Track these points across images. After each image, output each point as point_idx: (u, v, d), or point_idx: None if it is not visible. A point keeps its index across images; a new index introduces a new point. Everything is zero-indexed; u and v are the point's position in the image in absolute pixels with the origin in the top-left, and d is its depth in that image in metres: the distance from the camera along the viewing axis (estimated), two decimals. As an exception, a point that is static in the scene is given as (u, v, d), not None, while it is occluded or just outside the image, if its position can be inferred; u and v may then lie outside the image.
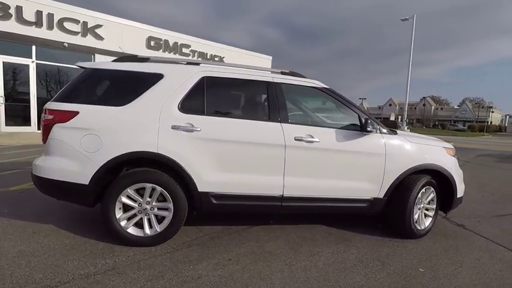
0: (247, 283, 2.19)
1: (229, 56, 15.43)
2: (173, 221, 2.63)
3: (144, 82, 2.69)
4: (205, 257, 2.53)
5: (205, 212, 2.79)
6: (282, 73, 3.07)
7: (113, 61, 2.81)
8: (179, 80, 2.72)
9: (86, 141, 2.49)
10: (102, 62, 2.93)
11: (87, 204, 2.64)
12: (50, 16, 9.89)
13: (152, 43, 12.57)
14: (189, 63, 2.93)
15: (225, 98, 2.86)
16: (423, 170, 3.08)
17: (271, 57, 17.92)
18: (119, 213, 2.56)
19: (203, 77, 2.77)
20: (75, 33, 10.47)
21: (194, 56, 14.07)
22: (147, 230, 2.62)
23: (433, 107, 75.76)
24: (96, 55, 11.39)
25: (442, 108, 79.95)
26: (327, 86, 3.10)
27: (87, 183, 2.50)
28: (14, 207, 3.46)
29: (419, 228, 3.13)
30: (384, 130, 3.06)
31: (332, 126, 2.98)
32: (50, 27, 9.93)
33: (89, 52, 11.06)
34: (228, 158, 2.69)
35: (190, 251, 2.61)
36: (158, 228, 2.63)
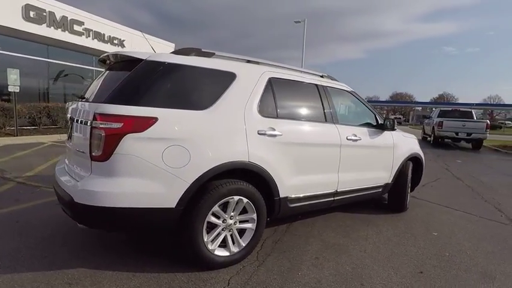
0: (361, 272, 2.36)
1: (129, 39, 13.61)
2: (256, 232, 2.46)
3: (220, 82, 2.34)
4: (297, 261, 2.52)
5: (277, 218, 2.73)
6: (322, 76, 3.25)
7: (173, 53, 2.28)
8: (252, 81, 2.50)
9: (170, 155, 1.99)
10: (163, 54, 2.26)
11: (167, 233, 2.15)
12: None
13: (32, 14, 9.70)
14: (249, 61, 2.69)
15: (289, 100, 2.79)
16: (411, 158, 3.94)
17: (173, 44, 16.84)
18: (205, 236, 2.20)
19: (270, 78, 2.64)
20: None
21: (89, 36, 11.71)
22: (232, 247, 2.36)
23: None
24: None
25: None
26: (353, 90, 3.49)
27: (173, 206, 2.03)
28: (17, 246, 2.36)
29: (407, 203, 4.01)
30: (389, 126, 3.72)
31: (361, 125, 3.41)
32: None
33: None
34: (301, 160, 2.70)
35: (276, 259, 2.53)
36: (242, 242, 2.41)
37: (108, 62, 2.62)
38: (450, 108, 15.08)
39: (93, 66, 12.94)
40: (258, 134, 2.39)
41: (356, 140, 3.15)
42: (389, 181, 3.69)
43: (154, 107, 1.99)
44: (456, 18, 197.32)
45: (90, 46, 11.81)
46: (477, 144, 12.60)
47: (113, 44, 12.80)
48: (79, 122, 2.14)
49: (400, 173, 3.77)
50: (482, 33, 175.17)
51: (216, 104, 2.24)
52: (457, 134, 12.22)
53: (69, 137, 2.41)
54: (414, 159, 4.04)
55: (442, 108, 15.08)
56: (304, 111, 2.91)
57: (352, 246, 2.87)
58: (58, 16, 10.50)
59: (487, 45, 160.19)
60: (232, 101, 2.33)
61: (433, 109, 22.43)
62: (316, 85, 3.06)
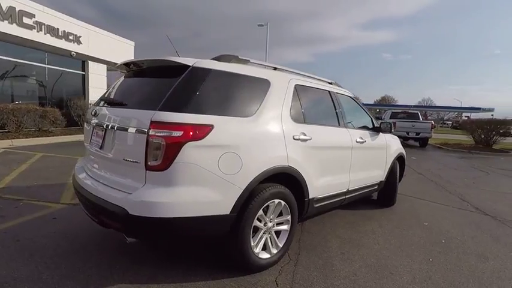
0: (385, 262, 2.61)
1: (86, 35, 12.61)
2: (290, 233, 2.58)
3: (259, 89, 2.40)
4: (326, 257, 2.69)
5: (301, 219, 2.87)
6: (331, 83, 3.48)
7: (213, 59, 2.27)
8: (283, 88, 2.60)
9: (225, 162, 2.01)
10: (207, 60, 2.20)
11: (217, 241, 2.16)
12: None
13: (-28, 3, 8.45)
14: (275, 68, 2.79)
15: (311, 106, 2.94)
16: (398, 157, 4.39)
17: (133, 43, 15.98)
18: (251, 240, 2.25)
19: (295, 85, 2.77)
20: None
21: (41, 30, 10.57)
22: (272, 249, 2.45)
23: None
24: None
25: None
26: (353, 95, 3.79)
27: (228, 212, 2.04)
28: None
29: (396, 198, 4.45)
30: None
31: (363, 128, 3.71)
32: None
33: None
34: (325, 162, 2.88)
35: (307, 257, 2.67)
36: (280, 243, 2.51)
37: (131, 66, 2.51)
38: (400, 110, 16.73)
39: (45, 64, 11.68)
40: (294, 139, 2.50)
41: (362, 142, 3.44)
42: (383, 179, 4.07)
43: (208, 114, 1.99)
44: (391, 28, 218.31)
45: (42, 41, 10.66)
46: (424, 143, 14.18)
47: (68, 40, 11.71)
48: (122, 130, 2.03)
49: (391, 171, 4.17)
50: (413, 42, 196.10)
51: (258, 110, 2.31)
52: (407, 133, 13.63)
53: (101, 145, 2.26)
54: (400, 158, 4.50)
55: (393, 111, 16.66)
56: (323, 116, 3.10)
57: (366, 240, 3.14)
58: (4, 6, 9.30)
59: (417, 53, 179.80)
60: (271, 107, 2.41)
61: (383, 111, 24.55)
62: (329, 91, 3.27)
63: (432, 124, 13.72)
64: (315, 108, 3.03)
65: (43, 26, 10.65)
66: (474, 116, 49.92)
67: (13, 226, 3.00)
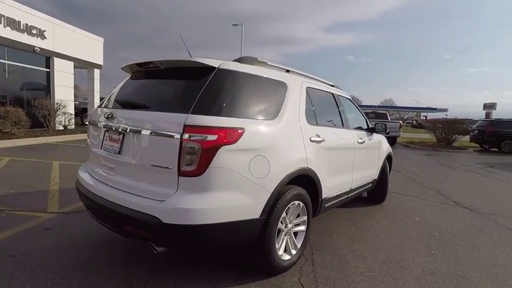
0: (393, 257, 2.74)
1: (51, 30, 11.76)
2: (306, 233, 2.62)
3: (279, 91, 2.42)
4: (339, 255, 2.77)
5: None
6: (332, 86, 3.58)
7: (236, 61, 2.23)
8: (297, 90, 2.63)
9: (255, 165, 1.99)
10: (230, 62, 2.11)
11: (244, 246, 2.14)
12: None
13: None
14: (288, 70, 2.81)
15: (320, 108, 2.99)
16: (388, 156, 4.63)
17: (102, 39, 15.15)
18: (276, 242, 2.26)
19: (307, 88, 2.82)
20: None
21: (0, 23, 9.63)
22: (292, 250, 2.47)
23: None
24: None
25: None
26: (351, 97, 3.94)
27: (258, 216, 2.03)
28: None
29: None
30: (374, 129, 4.30)
31: (361, 129, 3.86)
32: None
33: None
34: (334, 163, 2.96)
35: (321, 257, 2.73)
36: (298, 244, 2.54)
37: (146, 66, 2.39)
38: (370, 111, 17.61)
39: (5, 60, 10.65)
40: (310, 141, 2.55)
41: (362, 143, 3.59)
42: (377, 177, 4.27)
43: (237, 117, 1.97)
44: (354, 32, 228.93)
45: (0, 35, 9.72)
46: (393, 141, 15.03)
47: (30, 34, 10.79)
48: (148, 134, 1.92)
49: (383, 170, 4.39)
50: (374, 45, 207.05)
51: (280, 113, 2.32)
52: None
53: (119, 150, 2.12)
54: (389, 157, 4.75)
55: (364, 111, 17.49)
56: (330, 118, 3.18)
57: (369, 237, 3.28)
58: (-44, -5, 8.37)
59: (377, 56, 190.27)
60: (290, 110, 2.43)
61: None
62: (333, 94, 3.37)
63: (400, 124, 14.63)
64: (323, 110, 3.10)
65: (2, 18, 9.73)
66: (430, 115, 53.93)
67: (1, 240, 2.73)
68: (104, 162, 2.27)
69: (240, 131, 1.92)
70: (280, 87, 2.45)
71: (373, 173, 4.13)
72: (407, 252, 2.92)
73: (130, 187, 2.00)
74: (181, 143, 1.78)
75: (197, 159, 1.77)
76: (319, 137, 2.67)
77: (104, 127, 2.31)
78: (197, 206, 1.79)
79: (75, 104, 14.22)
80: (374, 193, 4.53)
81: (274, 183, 2.11)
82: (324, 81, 3.46)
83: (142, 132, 1.96)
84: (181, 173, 1.80)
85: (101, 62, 15.03)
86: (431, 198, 5.09)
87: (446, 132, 14.98)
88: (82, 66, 14.18)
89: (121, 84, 2.70)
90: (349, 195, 3.47)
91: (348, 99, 3.86)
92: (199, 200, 1.80)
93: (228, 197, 1.89)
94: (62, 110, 11.46)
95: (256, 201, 2.03)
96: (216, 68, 2.04)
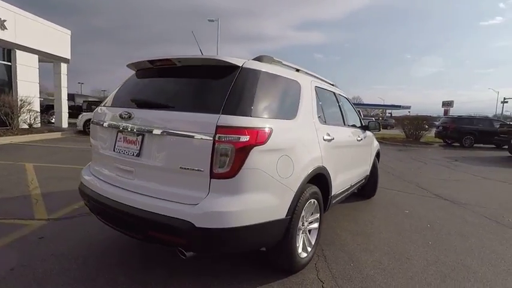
0: (396, 249, 2.88)
1: (13, 19, 10.81)
2: (319, 230, 2.68)
3: (295, 91, 2.43)
4: (348, 251, 2.86)
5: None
6: (332, 85, 3.66)
7: (255, 60, 2.19)
8: (309, 90, 2.66)
9: (282, 165, 1.99)
10: (252, 61, 2.01)
11: (269, 246, 2.13)
12: None
13: None
14: (297, 70, 2.82)
15: (326, 107, 3.03)
16: (377, 152, 4.84)
17: (70, 32, 14.18)
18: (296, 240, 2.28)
19: (315, 87, 2.86)
20: None
21: (-48, 9, 8.64)
22: (308, 247, 2.51)
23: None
24: None
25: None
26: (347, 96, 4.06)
27: (284, 216, 2.04)
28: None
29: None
30: (367, 126, 4.47)
31: (357, 127, 4.00)
32: None
33: None
34: (341, 160, 3.04)
35: (331, 253, 2.81)
36: (312, 241, 2.59)
37: (160, 64, 2.27)
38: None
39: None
40: (323, 139, 2.60)
41: (360, 140, 3.72)
42: (368, 173, 4.45)
43: (265, 117, 1.95)
44: (322, 31, 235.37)
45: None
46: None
47: (-12, 23, 9.83)
48: (176, 136, 1.84)
49: (373, 165, 4.59)
50: (341, 44, 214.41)
51: (298, 113, 2.34)
52: (353, 129, 14.97)
53: (139, 152, 2.01)
54: (378, 154, 4.97)
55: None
56: (335, 116, 3.26)
57: (370, 231, 3.42)
58: None
59: (344, 55, 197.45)
60: (306, 109, 2.46)
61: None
62: (334, 93, 3.45)
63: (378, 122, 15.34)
64: (329, 109, 3.17)
65: (-45, 5, 8.75)
66: (395, 112, 57.00)
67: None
68: (117, 165, 2.14)
69: (269, 131, 1.91)
70: (295, 86, 2.47)
71: (366, 169, 4.30)
72: (408, 244, 3.08)
73: (154, 191, 1.91)
74: (213, 144, 1.73)
75: (230, 161, 1.74)
76: (329, 135, 2.73)
77: (114, 127, 2.18)
78: (231, 208, 1.76)
79: (40, 100, 13.19)
80: (365, 188, 4.72)
81: (298, 182, 2.13)
82: (326, 80, 3.53)
83: (167, 134, 1.88)
84: (213, 176, 1.75)
85: (68, 55, 14.06)
86: (414, 192, 5.41)
87: (414, 129, 15.94)
88: (48, 60, 13.17)
89: (125, 82, 2.56)
90: (349, 192, 3.58)
91: (345, 97, 3.97)
92: (233, 202, 1.77)
93: (259, 198, 1.88)
94: (27, 108, 10.59)
95: (283, 201, 2.03)
96: (240, 67, 2.01)
